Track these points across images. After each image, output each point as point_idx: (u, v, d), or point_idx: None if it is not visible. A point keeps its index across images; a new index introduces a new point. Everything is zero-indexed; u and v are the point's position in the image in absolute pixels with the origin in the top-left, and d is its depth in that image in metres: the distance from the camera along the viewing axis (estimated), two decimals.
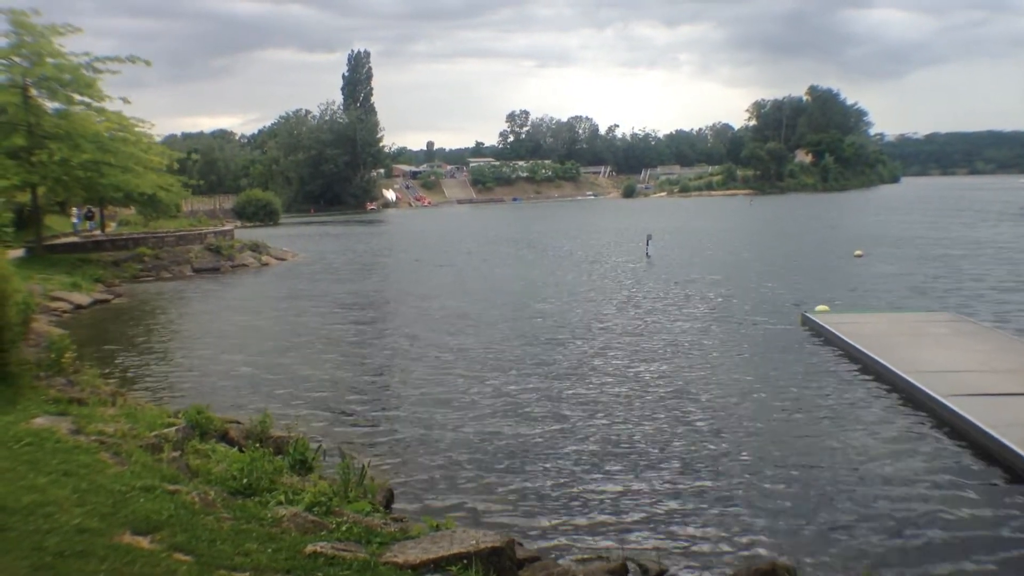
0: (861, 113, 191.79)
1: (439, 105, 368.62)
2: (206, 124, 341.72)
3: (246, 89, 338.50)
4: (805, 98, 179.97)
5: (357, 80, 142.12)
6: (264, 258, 41.99)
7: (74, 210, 44.40)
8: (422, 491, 10.16)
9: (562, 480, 10.42)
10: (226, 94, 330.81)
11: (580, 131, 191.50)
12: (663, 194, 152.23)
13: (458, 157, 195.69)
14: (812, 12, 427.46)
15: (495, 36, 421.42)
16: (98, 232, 43.57)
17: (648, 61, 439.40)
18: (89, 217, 44.45)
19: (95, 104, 33.77)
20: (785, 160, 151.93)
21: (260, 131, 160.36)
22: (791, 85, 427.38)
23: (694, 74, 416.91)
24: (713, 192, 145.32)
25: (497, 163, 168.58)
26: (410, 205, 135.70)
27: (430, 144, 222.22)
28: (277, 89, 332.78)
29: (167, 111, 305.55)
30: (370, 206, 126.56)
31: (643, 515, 9.27)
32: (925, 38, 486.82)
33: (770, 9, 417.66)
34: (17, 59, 30.99)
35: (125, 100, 35.16)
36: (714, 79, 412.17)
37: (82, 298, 27.11)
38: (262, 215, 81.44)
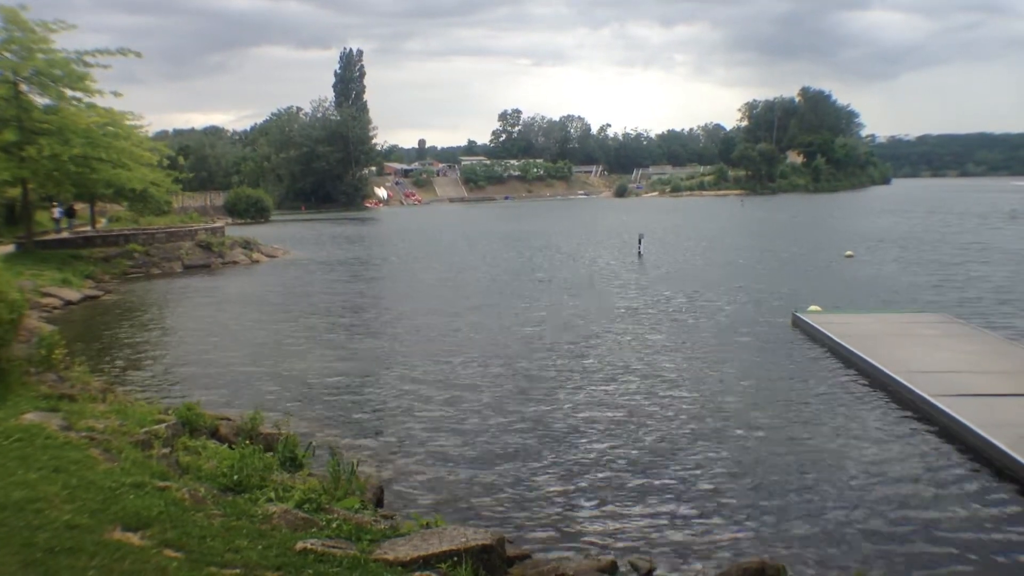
0: (852, 114, 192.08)
1: (432, 103, 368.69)
2: (198, 120, 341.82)
3: (240, 86, 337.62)
4: (797, 99, 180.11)
5: (349, 78, 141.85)
6: (255, 255, 41.91)
7: (55, 207, 43.56)
8: (412, 488, 10.17)
9: (552, 478, 10.43)
10: (219, 91, 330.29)
11: (572, 130, 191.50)
12: (655, 194, 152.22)
13: (450, 155, 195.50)
14: (807, 14, 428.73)
15: (491, 34, 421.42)
16: (88, 228, 43.31)
17: (643, 61, 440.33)
18: (70, 214, 43.67)
19: (86, 99, 33.67)
20: (776, 161, 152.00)
21: (252, 128, 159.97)
22: (785, 86, 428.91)
23: (689, 74, 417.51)
24: (704, 192, 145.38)
25: (489, 162, 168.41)
26: (401, 203, 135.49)
27: (422, 142, 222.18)
28: (271, 86, 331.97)
29: (161, 107, 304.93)
30: (369, 203, 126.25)
31: (633, 513, 9.30)
32: (919, 40, 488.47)
33: (766, 10, 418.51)
34: (8, 54, 30.84)
35: (116, 94, 34.66)
36: (709, 79, 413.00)
37: (72, 294, 27.05)
38: (253, 212, 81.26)
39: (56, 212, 42.65)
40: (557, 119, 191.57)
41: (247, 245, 43.11)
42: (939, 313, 20.79)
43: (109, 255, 35.88)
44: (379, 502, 9.33)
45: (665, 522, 9.06)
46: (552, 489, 10.06)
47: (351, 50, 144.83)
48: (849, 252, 37.70)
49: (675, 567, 8.04)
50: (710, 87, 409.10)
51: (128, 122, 38.23)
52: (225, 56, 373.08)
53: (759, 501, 9.59)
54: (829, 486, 9.99)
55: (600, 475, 10.52)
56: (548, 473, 10.63)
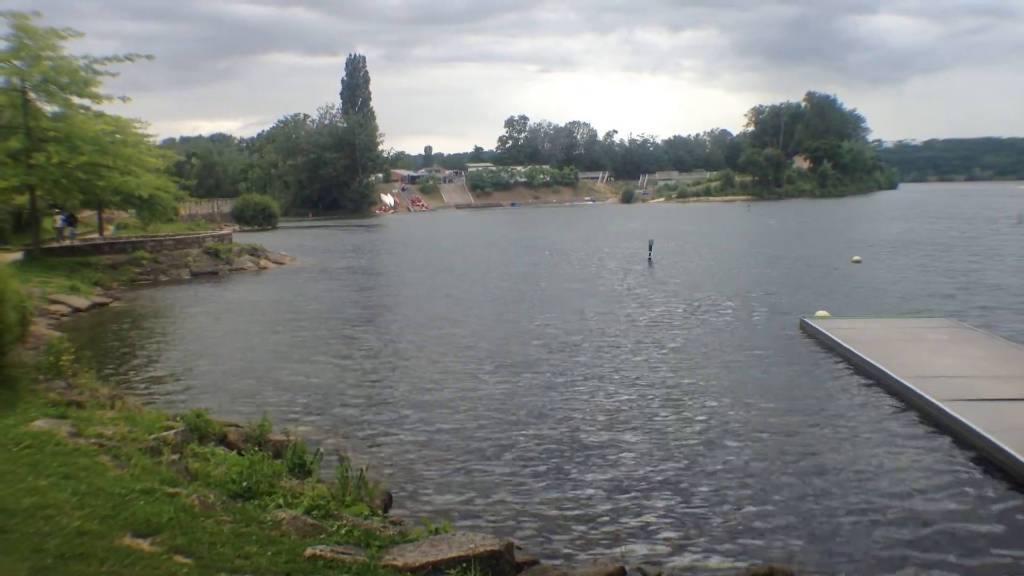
0: (859, 119, 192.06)
1: (439, 110, 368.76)
2: (205, 128, 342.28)
3: (247, 93, 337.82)
4: (803, 104, 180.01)
5: (355, 84, 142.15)
6: (262, 262, 41.98)
7: (58, 215, 42.82)
8: (420, 495, 10.17)
9: (561, 484, 10.43)
10: (227, 98, 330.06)
11: (578, 136, 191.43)
12: (661, 200, 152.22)
13: (456, 162, 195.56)
14: (815, 18, 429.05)
15: (499, 41, 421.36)
16: (96, 236, 43.30)
17: (651, 66, 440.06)
18: (71, 223, 42.89)
19: (94, 106, 33.79)
20: (783, 166, 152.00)
21: (259, 135, 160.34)
22: (792, 91, 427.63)
23: (696, 80, 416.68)
24: (711, 198, 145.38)
25: (495, 168, 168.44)
26: (408, 210, 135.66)
27: (428, 149, 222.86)
28: (278, 93, 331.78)
29: (168, 114, 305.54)
30: (378, 210, 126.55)
31: (641, 520, 9.28)
32: (926, 44, 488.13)
33: (773, 15, 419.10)
34: (17, 62, 30.95)
35: (125, 99, 34.74)
36: (716, 85, 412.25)
37: (80, 301, 27.10)
38: (260, 219, 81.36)
39: (59, 221, 41.94)
40: (563, 125, 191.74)
41: (254, 252, 43.17)
42: (947, 318, 20.75)
43: (117, 262, 35.94)
44: (387, 508, 9.34)
45: (673, 527, 9.04)
46: (561, 496, 10.05)
47: (355, 56, 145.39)
48: (857, 257, 37.67)
49: (684, 573, 8.02)
50: (717, 92, 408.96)
51: (135, 130, 38.38)
52: (232, 63, 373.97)
53: (766, 506, 9.57)
54: (838, 491, 9.97)
55: (609, 482, 10.50)
56: (557, 479, 10.62)
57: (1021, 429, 11.10)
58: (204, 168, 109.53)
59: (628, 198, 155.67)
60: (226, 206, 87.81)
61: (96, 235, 43.99)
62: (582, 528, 9.10)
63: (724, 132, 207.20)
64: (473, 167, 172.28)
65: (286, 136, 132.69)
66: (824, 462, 11.03)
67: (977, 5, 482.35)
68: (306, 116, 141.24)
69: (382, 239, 67.30)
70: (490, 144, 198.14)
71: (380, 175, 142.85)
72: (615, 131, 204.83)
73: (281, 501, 8.12)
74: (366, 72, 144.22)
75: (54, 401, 11.01)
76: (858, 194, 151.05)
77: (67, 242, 39.68)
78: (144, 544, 6.01)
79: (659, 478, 10.57)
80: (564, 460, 11.35)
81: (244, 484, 8.41)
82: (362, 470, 9.39)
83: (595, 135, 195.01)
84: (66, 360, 13.57)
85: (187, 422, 11.05)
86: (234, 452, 10.36)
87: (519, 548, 7.94)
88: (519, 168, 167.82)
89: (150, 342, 21.64)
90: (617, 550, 8.47)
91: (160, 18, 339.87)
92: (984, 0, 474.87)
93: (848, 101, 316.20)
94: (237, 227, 71.39)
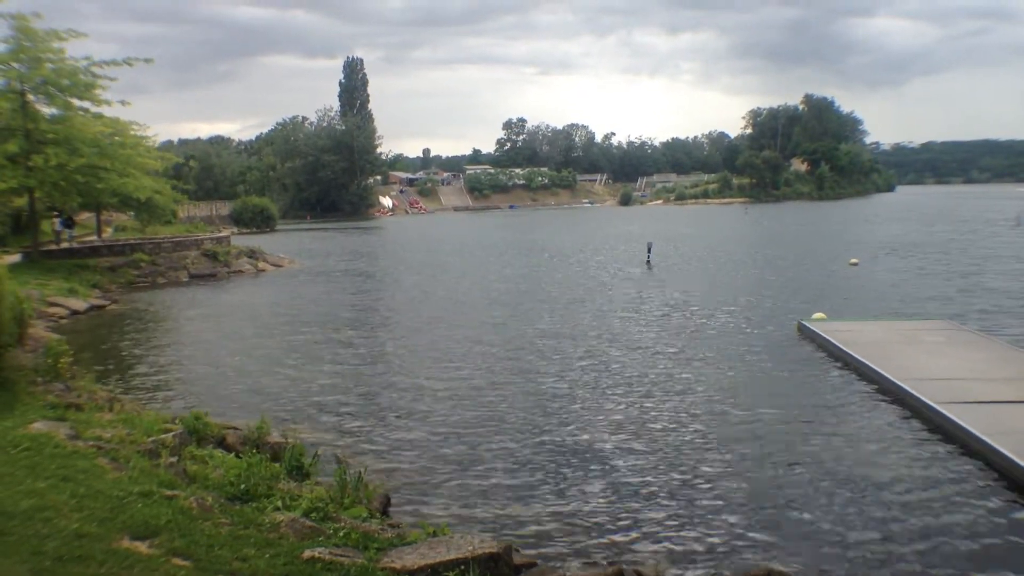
0: (856, 121, 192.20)
1: (437, 112, 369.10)
2: (204, 130, 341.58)
3: (246, 95, 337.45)
4: (801, 106, 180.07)
5: (353, 87, 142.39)
6: (260, 265, 41.94)
7: (56, 218, 42.46)
8: (418, 497, 10.17)
9: (559, 487, 10.43)
10: (226, 100, 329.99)
11: (576, 139, 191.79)
12: (659, 202, 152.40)
13: (455, 164, 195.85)
14: (814, 21, 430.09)
15: (498, 43, 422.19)
16: (94, 238, 43.26)
17: (650, 69, 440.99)
18: (69, 225, 42.62)
19: (93, 109, 33.76)
20: (780, 168, 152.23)
21: (257, 137, 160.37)
22: (791, 93, 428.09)
23: (694, 82, 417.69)
24: (709, 200, 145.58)
25: (493, 171, 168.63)
26: (406, 212, 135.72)
27: (426, 151, 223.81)
28: (277, 96, 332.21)
29: (167, 117, 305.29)
30: (376, 213, 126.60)
31: (640, 522, 9.29)
32: (925, 47, 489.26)
33: (772, 18, 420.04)
34: (16, 64, 30.92)
35: (124, 103, 34.73)
36: (714, 87, 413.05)
37: (79, 304, 27.07)
38: (259, 221, 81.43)
39: (57, 224, 41.61)
40: (562, 127, 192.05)
41: (253, 255, 43.11)
42: (945, 320, 20.76)
43: (115, 264, 35.89)
44: (386, 510, 9.34)
45: (671, 530, 9.05)
46: (559, 498, 10.05)
47: (353, 58, 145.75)
48: (854, 260, 37.71)
49: (681, 575, 8.03)
50: (715, 95, 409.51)
51: (134, 132, 38.36)
52: (232, 65, 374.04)
53: (763, 508, 9.58)
54: (835, 494, 9.97)
55: (606, 484, 10.51)
56: (555, 482, 10.62)
57: (1019, 432, 11.11)
58: (202, 170, 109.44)
59: (626, 200, 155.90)
60: (224, 208, 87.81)
61: (94, 237, 43.99)
62: (581, 531, 9.10)
63: (722, 134, 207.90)
64: (471, 169, 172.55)
65: (284, 138, 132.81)
66: (821, 465, 11.04)
67: (976, 8, 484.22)
68: (304, 118, 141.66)
69: (380, 241, 67.29)
70: (488, 146, 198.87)
71: (378, 177, 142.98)
72: (613, 133, 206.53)
73: (279, 503, 8.12)
74: (364, 74, 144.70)
75: (52, 403, 11.01)
76: (855, 196, 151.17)
77: (65, 244, 39.62)
78: (142, 546, 6.01)
79: (656, 482, 10.57)
80: (562, 464, 11.34)
81: (242, 486, 8.42)
82: (360, 472, 9.41)
83: (593, 137, 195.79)
84: (64, 362, 13.56)
85: (185, 424, 11.06)
86: (232, 454, 10.37)
87: (517, 551, 7.94)
88: (517, 170, 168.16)
89: (148, 344, 21.62)
90: (615, 552, 8.48)
91: (161, 20, 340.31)
92: (983, 3, 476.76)
93: (846, 103, 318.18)
94: (235, 229, 71.44)
